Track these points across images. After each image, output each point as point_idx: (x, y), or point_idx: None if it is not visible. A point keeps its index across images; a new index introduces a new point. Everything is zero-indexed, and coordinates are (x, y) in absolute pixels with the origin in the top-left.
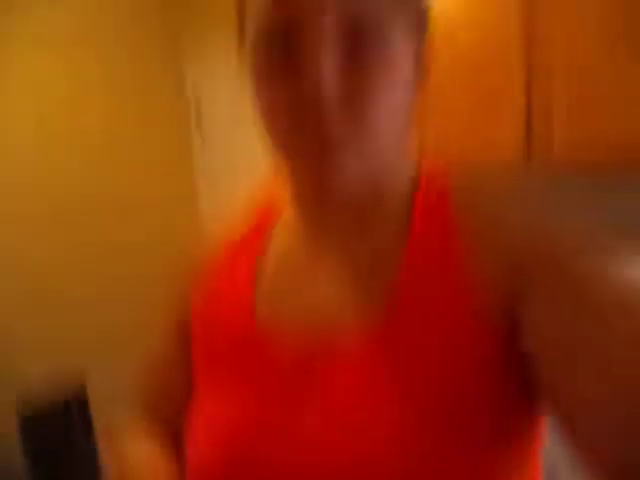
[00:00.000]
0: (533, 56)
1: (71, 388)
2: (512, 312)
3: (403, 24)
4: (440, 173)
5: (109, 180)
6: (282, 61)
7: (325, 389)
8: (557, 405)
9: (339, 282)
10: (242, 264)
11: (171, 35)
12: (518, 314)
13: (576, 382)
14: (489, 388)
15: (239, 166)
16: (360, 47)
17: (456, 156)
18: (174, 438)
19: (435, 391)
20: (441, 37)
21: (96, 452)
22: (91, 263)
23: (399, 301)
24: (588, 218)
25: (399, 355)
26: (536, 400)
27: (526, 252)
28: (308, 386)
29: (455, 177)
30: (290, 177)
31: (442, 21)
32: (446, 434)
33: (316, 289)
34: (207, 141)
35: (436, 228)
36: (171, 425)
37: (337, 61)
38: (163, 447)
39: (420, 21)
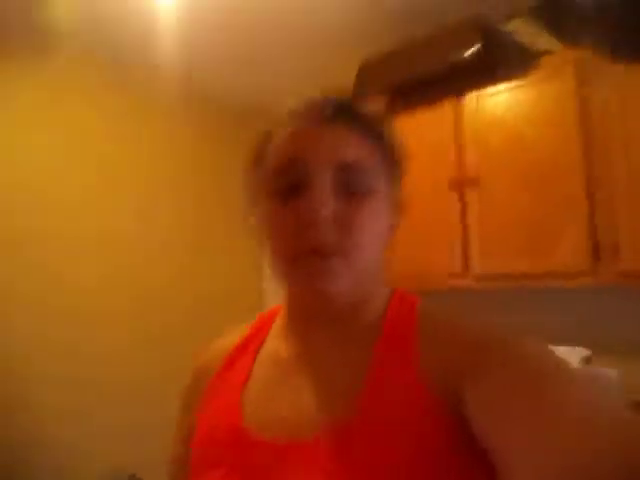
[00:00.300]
0: (593, 167)
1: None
2: (458, 405)
3: (384, 171)
4: (410, 296)
5: (190, 284)
6: (288, 191)
7: (295, 477)
8: (499, 460)
9: (315, 386)
10: (238, 366)
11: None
12: (463, 405)
13: (511, 441)
14: (444, 466)
15: None
16: (350, 185)
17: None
18: None
19: (397, 475)
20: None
21: None
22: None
23: (364, 402)
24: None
25: (363, 446)
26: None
27: (468, 359)
28: (282, 476)
29: (422, 305)
30: (289, 289)
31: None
32: None
33: (295, 392)
34: None
35: (399, 340)
36: None
37: (332, 195)
38: None
39: (396, 171)
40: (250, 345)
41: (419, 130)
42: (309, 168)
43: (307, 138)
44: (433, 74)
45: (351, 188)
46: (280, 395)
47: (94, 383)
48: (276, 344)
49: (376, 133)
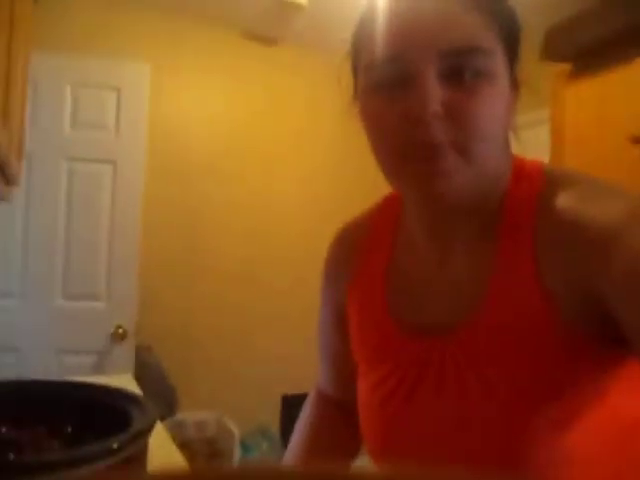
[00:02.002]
0: None
1: None
2: (594, 308)
3: (500, 47)
4: (529, 175)
5: None
6: (392, 85)
7: (443, 381)
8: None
9: (448, 289)
10: (375, 265)
11: None
12: (605, 302)
13: None
14: (559, 377)
15: None
16: (463, 70)
17: None
18: (346, 409)
19: (526, 364)
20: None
21: None
22: None
23: (487, 309)
24: None
25: (485, 356)
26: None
27: (596, 258)
28: (431, 375)
29: (543, 183)
30: (404, 191)
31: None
32: (534, 393)
33: (432, 294)
34: None
35: (521, 234)
36: (341, 402)
37: (442, 84)
38: (335, 416)
39: (515, 45)
40: (385, 235)
41: (605, 90)
42: (413, 58)
43: (410, 22)
44: (619, 35)
45: (464, 73)
46: (418, 294)
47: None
48: (404, 244)
49: (492, 6)
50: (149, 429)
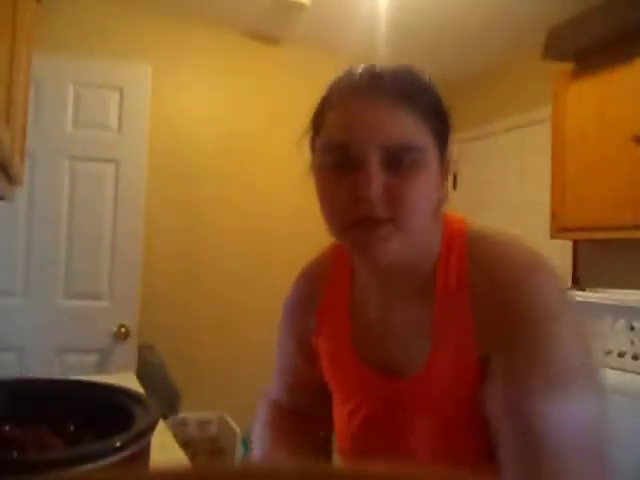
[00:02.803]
0: None
1: None
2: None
3: (432, 142)
4: (458, 236)
5: None
6: (341, 167)
7: (406, 407)
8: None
9: (399, 334)
10: (339, 304)
11: None
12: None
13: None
14: (475, 393)
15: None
16: (400, 160)
17: None
18: (304, 424)
19: (463, 402)
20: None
21: None
22: None
23: (432, 361)
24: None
25: (432, 392)
26: None
27: (510, 329)
28: (394, 405)
29: (471, 240)
30: (351, 252)
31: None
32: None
33: (387, 335)
34: (460, 200)
35: (454, 290)
36: (300, 414)
37: (382, 171)
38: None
39: (445, 138)
40: (342, 284)
41: (607, 89)
42: (360, 148)
43: (358, 119)
44: (620, 35)
45: (401, 163)
46: (376, 334)
47: None
48: (361, 290)
49: (425, 106)
50: (151, 428)
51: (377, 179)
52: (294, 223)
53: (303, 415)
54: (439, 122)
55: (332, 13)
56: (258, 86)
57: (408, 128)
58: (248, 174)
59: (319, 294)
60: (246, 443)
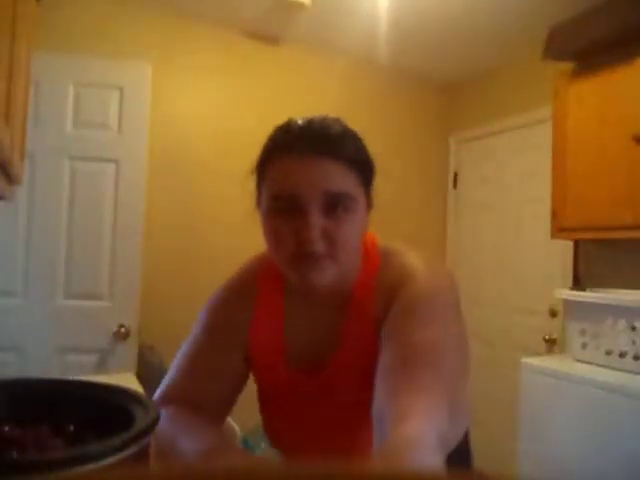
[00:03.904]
0: None
1: None
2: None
3: (362, 186)
4: (373, 260)
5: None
6: (286, 211)
7: (324, 395)
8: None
9: (316, 341)
10: (272, 314)
11: (442, 117)
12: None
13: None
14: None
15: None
16: (336, 206)
17: None
18: (208, 423)
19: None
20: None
21: None
22: None
23: (344, 344)
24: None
25: (343, 380)
26: None
27: (394, 325)
28: (317, 395)
29: (382, 260)
30: (291, 279)
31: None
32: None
33: (313, 336)
34: (460, 199)
35: (363, 299)
36: (204, 413)
37: (321, 216)
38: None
39: (371, 181)
40: (274, 303)
41: (607, 89)
42: (304, 199)
43: (304, 172)
44: (620, 35)
45: (336, 208)
46: (302, 341)
47: None
48: (292, 304)
49: (356, 159)
50: (151, 428)
51: (317, 223)
52: None
53: (206, 416)
54: (365, 171)
55: (332, 13)
56: (258, 86)
57: (344, 181)
58: (248, 174)
59: (252, 308)
60: (246, 443)
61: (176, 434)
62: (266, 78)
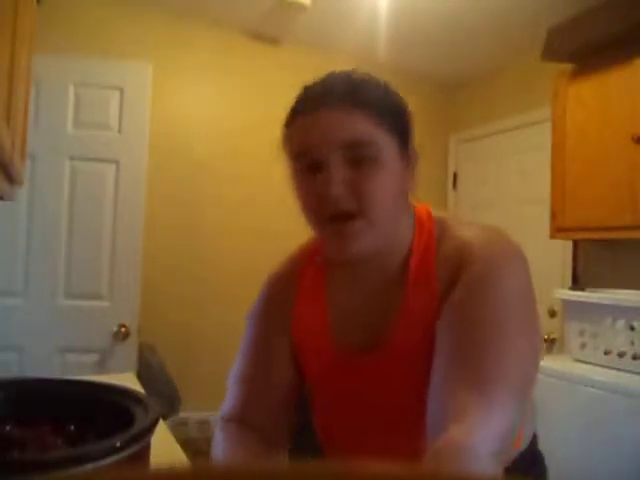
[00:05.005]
0: None
1: None
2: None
3: (391, 138)
4: (428, 230)
5: None
6: (309, 169)
7: (378, 379)
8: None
9: (376, 307)
10: (315, 297)
11: (442, 117)
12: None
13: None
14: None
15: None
16: (360, 158)
17: None
18: (264, 442)
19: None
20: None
21: None
22: None
23: (403, 321)
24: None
25: (412, 346)
26: None
27: (462, 297)
28: (370, 379)
29: (438, 230)
30: (324, 247)
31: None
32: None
33: (365, 313)
34: (460, 199)
35: (423, 272)
36: (261, 431)
37: (344, 169)
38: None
39: (404, 135)
40: (317, 282)
41: (607, 89)
42: (321, 152)
43: (317, 124)
44: (620, 35)
45: (361, 160)
46: (354, 323)
47: None
48: (337, 284)
49: (382, 105)
50: (152, 428)
51: (336, 177)
52: (294, 222)
53: (263, 434)
54: (394, 119)
55: (332, 13)
56: (258, 86)
57: (363, 127)
58: (248, 173)
59: (294, 292)
60: None
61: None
62: (266, 78)
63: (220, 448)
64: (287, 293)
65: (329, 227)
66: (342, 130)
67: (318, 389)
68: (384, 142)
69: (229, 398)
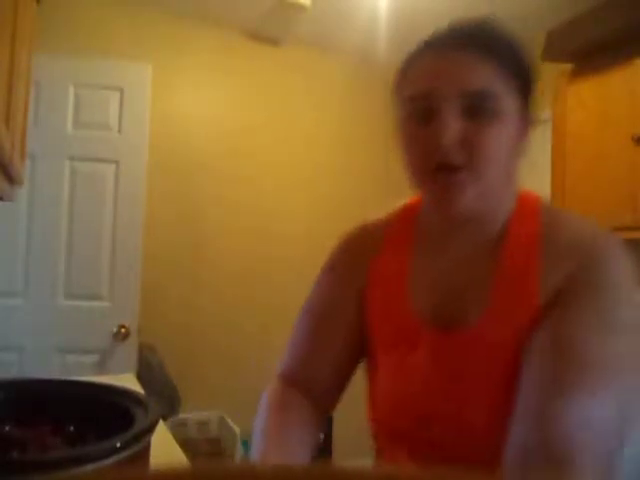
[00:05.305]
0: None
1: None
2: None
3: (514, 94)
4: (532, 211)
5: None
6: (421, 116)
7: (450, 364)
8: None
9: (455, 292)
10: (399, 255)
11: None
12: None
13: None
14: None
15: None
16: (478, 109)
17: None
18: (316, 408)
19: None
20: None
21: None
22: None
23: (496, 298)
24: None
25: (487, 344)
26: None
27: (570, 291)
28: (447, 363)
29: (545, 209)
30: (426, 200)
31: None
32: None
33: (450, 282)
34: None
35: (523, 262)
36: (310, 395)
37: (460, 119)
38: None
39: (528, 93)
40: (404, 240)
41: (607, 89)
42: (439, 97)
43: (438, 69)
44: (619, 35)
45: (479, 111)
46: (436, 291)
47: None
48: (425, 245)
49: (508, 58)
50: (151, 428)
51: (453, 126)
52: (294, 222)
53: (313, 396)
54: (520, 75)
55: (332, 14)
56: (258, 87)
57: (487, 77)
58: (248, 174)
59: (378, 246)
60: (246, 443)
61: (265, 433)
62: (266, 78)
63: (262, 418)
64: (370, 244)
65: (434, 179)
66: (466, 77)
67: (381, 359)
68: (507, 96)
69: (287, 355)
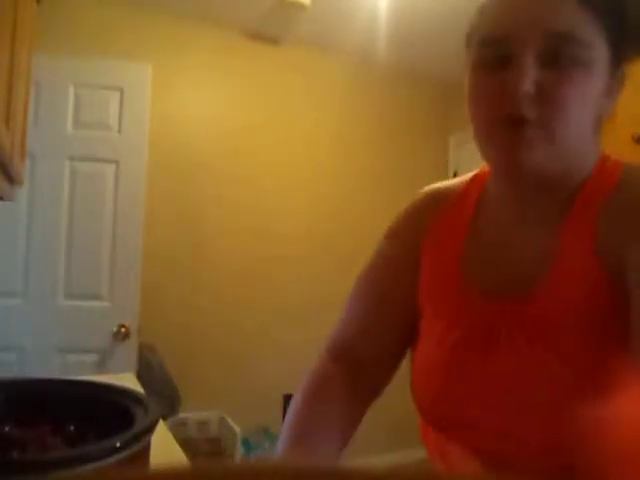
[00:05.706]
0: None
1: None
2: (623, 270)
3: (603, 43)
4: (610, 171)
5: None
6: (494, 62)
7: (505, 340)
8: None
9: (514, 260)
10: (457, 223)
11: (442, 117)
12: (624, 266)
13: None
14: (605, 332)
15: None
16: (560, 56)
17: None
18: (364, 389)
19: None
20: None
21: None
22: None
23: (548, 283)
24: None
25: (547, 318)
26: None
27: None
28: (499, 336)
29: (624, 174)
30: (490, 157)
31: None
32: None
33: (508, 251)
34: None
35: (590, 211)
36: (362, 369)
37: (537, 67)
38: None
39: (622, 43)
40: (466, 206)
41: None
42: (515, 41)
43: (517, 9)
44: None
45: (560, 59)
46: (491, 260)
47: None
48: (487, 212)
49: (606, 4)
50: (151, 428)
51: (529, 74)
52: (294, 222)
53: (365, 372)
54: (613, 22)
55: (332, 13)
56: (258, 86)
57: (574, 18)
58: (248, 174)
59: (441, 210)
60: (246, 443)
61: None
62: (266, 78)
63: (294, 408)
64: (433, 208)
65: (498, 130)
66: (551, 17)
67: (423, 330)
68: (598, 44)
69: (341, 324)
